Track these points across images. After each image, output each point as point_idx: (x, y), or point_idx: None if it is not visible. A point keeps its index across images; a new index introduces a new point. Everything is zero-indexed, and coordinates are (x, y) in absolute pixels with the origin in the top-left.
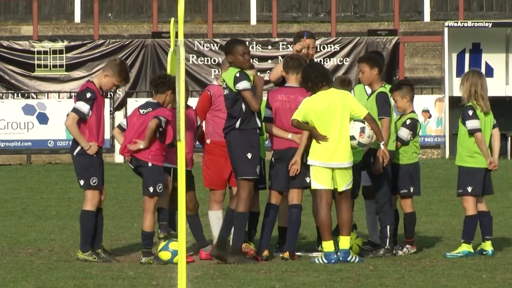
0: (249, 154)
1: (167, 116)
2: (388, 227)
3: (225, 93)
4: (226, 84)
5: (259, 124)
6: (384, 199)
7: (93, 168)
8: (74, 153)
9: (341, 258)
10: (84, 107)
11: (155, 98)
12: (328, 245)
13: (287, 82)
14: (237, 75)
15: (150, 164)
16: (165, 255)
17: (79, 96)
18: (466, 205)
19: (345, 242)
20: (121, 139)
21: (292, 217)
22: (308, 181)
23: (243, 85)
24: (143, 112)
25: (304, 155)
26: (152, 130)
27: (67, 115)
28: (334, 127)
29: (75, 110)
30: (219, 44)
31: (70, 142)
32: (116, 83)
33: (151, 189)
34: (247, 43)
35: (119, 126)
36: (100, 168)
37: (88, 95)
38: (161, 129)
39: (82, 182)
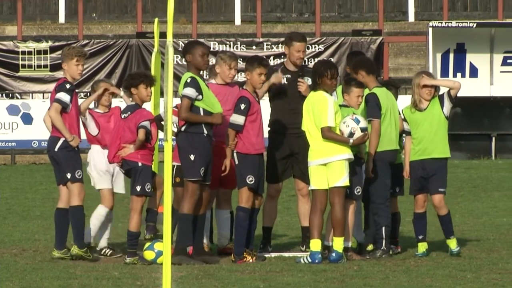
0: (192, 155)
1: (148, 117)
2: (383, 228)
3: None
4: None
5: (206, 132)
6: (380, 199)
7: (76, 161)
8: (56, 149)
9: (331, 259)
10: (65, 97)
11: (133, 98)
12: (314, 244)
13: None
14: (188, 80)
15: (140, 164)
16: (149, 255)
17: (59, 88)
18: (443, 204)
19: (338, 243)
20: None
21: (236, 220)
22: (249, 180)
23: (187, 91)
24: (124, 116)
25: (234, 156)
26: (142, 141)
27: (49, 108)
28: (312, 127)
29: (57, 100)
30: None
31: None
32: (76, 63)
33: (138, 188)
34: (231, 43)
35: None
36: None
37: (68, 86)
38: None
39: (69, 176)
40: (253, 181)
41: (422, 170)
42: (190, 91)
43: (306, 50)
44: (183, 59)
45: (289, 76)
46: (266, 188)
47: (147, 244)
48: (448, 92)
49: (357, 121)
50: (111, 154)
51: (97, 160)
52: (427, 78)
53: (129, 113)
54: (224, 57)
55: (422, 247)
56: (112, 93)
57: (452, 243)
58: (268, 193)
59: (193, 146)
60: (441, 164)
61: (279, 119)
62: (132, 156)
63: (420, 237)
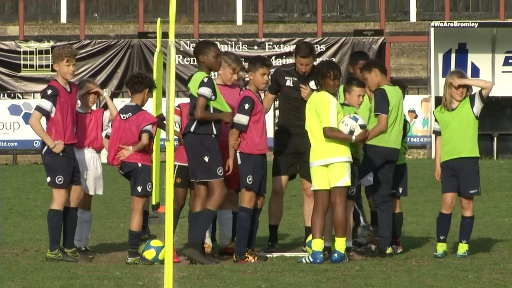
0: (206, 157)
1: (151, 120)
2: (387, 219)
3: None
4: (190, 90)
5: (215, 132)
6: (379, 198)
7: (59, 166)
8: (43, 152)
9: (333, 260)
10: (45, 104)
11: (133, 99)
12: (316, 244)
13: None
14: (205, 80)
15: (139, 165)
16: (149, 254)
17: (42, 94)
18: (471, 206)
19: (340, 244)
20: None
21: (238, 221)
22: (248, 181)
23: (203, 91)
24: (124, 117)
25: (237, 156)
26: (145, 145)
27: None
28: (314, 127)
29: (37, 107)
30: None
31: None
32: (66, 63)
33: (139, 189)
34: (233, 43)
35: (107, 136)
36: (69, 166)
37: (49, 91)
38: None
39: (48, 180)
40: (251, 182)
41: (452, 170)
42: (207, 91)
43: (313, 62)
44: (185, 59)
45: (296, 79)
46: (271, 185)
47: (143, 246)
48: (480, 92)
49: (355, 119)
50: (110, 156)
51: None
52: (460, 78)
53: (130, 114)
54: (229, 60)
55: (441, 247)
56: (96, 93)
57: (462, 248)
58: (273, 188)
59: (205, 148)
60: (471, 164)
61: (286, 119)
62: (131, 158)
63: (442, 237)
